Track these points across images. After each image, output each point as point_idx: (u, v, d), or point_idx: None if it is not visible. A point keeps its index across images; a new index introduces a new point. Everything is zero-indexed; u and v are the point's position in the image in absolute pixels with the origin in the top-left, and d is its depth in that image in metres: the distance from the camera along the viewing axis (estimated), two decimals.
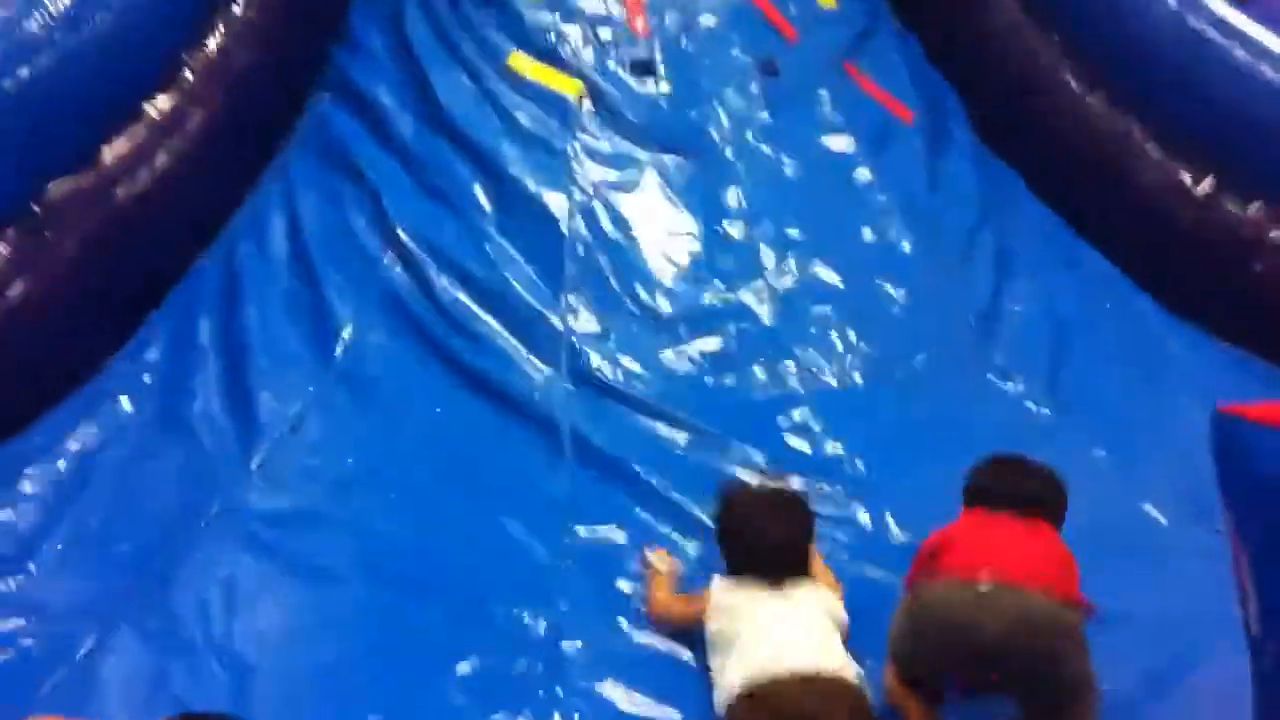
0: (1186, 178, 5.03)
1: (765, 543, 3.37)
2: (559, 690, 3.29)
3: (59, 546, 3.78)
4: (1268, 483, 2.02)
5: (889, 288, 4.96)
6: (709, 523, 3.80)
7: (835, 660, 3.14)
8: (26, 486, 3.94)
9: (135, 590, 3.63)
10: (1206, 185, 4.97)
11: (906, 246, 5.15)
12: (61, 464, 4.04)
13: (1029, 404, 4.51)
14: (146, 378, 4.42)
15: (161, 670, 3.39)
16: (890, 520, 3.96)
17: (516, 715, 3.27)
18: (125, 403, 4.31)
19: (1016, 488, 3.29)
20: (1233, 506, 2.15)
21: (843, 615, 3.35)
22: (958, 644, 2.96)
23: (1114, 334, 4.85)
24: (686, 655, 3.45)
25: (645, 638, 3.52)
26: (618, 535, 3.90)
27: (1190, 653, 3.44)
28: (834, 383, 4.56)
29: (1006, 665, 2.93)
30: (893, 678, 3.20)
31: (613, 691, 3.33)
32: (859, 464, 4.20)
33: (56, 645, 3.43)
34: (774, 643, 3.14)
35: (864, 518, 3.98)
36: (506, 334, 4.63)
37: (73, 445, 4.11)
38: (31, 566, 3.70)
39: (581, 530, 3.90)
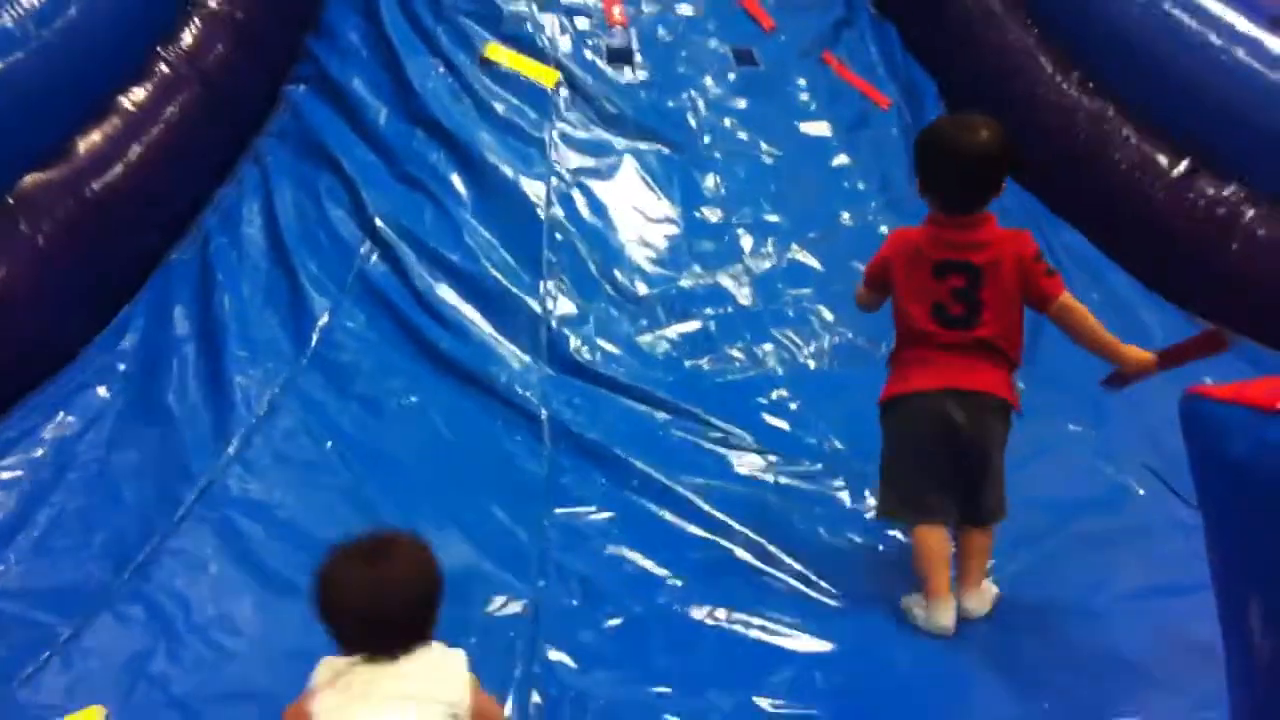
0: (1163, 159, 5.07)
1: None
2: (536, 669, 3.27)
3: (36, 535, 3.74)
4: (1237, 463, 2.02)
5: None
6: (692, 500, 3.82)
7: None
8: (3, 475, 3.91)
9: (115, 578, 3.61)
10: (1183, 167, 5.01)
11: (884, 229, 5.14)
12: (39, 452, 4.01)
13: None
14: (122, 366, 4.40)
15: (142, 656, 3.37)
16: (868, 495, 3.96)
17: (495, 693, 3.26)
18: (102, 391, 4.28)
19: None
20: (1204, 487, 2.16)
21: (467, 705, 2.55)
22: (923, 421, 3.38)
23: (1091, 311, 4.85)
24: (658, 639, 3.44)
25: (622, 619, 3.51)
26: (598, 517, 3.89)
27: (1172, 627, 3.44)
28: (812, 364, 4.58)
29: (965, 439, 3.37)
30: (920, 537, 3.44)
31: (591, 670, 3.32)
32: (837, 443, 4.22)
33: (37, 633, 3.40)
34: None
35: (843, 495, 3.99)
36: (485, 320, 4.64)
37: (50, 434, 4.09)
38: (10, 555, 3.67)
39: (561, 512, 3.90)
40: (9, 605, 3.50)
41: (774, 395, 4.40)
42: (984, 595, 3.47)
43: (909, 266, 3.40)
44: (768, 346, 4.61)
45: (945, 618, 3.37)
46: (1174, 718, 3.09)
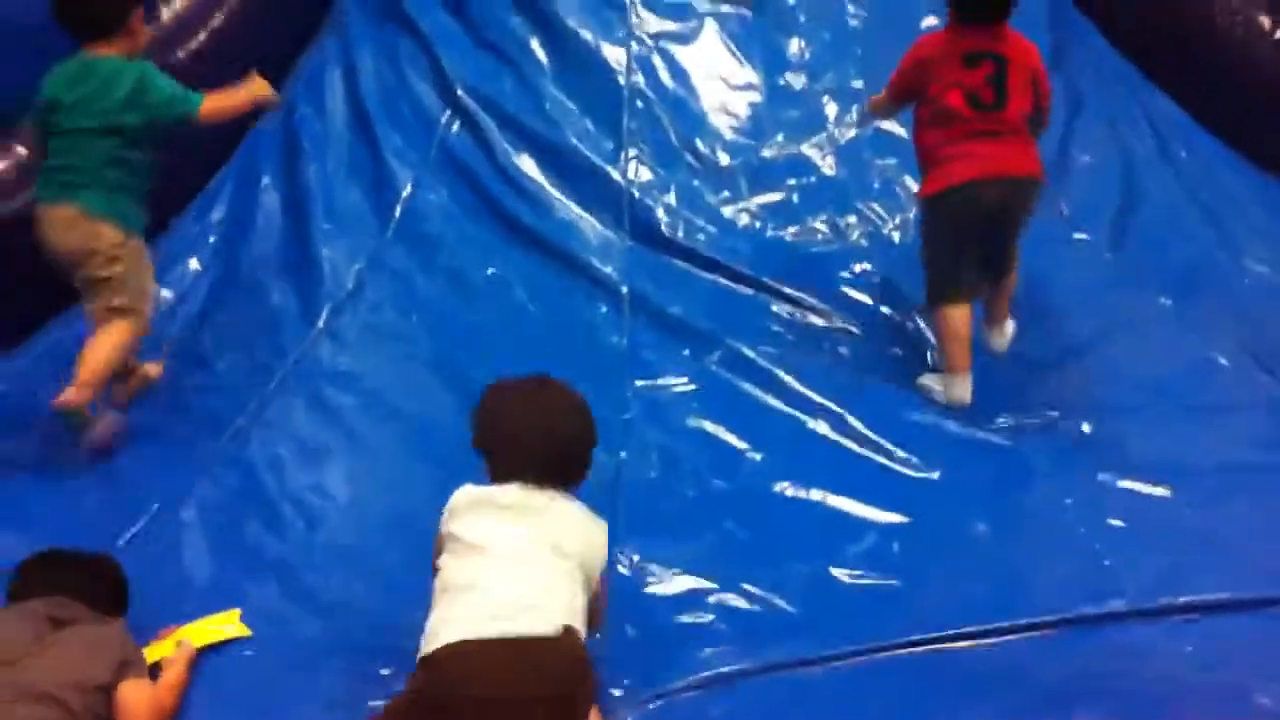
0: (1265, 21, 4.86)
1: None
2: (617, 534, 3.32)
3: (131, 406, 3.87)
4: None
5: None
6: (773, 372, 3.85)
7: (555, 605, 2.49)
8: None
9: (210, 446, 3.72)
10: None
11: None
12: None
13: (1096, 253, 4.45)
14: (212, 238, 4.48)
15: (236, 521, 3.48)
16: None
17: None
18: (193, 264, 4.38)
19: None
20: None
21: (601, 564, 2.66)
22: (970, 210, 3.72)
23: (1183, 181, 4.75)
24: (736, 510, 3.47)
25: (701, 490, 3.56)
26: (679, 389, 3.92)
27: (1266, 509, 3.41)
28: (897, 236, 4.52)
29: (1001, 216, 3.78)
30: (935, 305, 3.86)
31: (671, 540, 3.37)
32: (919, 318, 4.18)
33: (135, 498, 3.53)
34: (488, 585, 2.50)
35: (923, 368, 3.98)
36: (566, 190, 4.63)
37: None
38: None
39: (642, 384, 3.93)
40: (107, 473, 3.61)
41: (857, 268, 4.37)
42: (1006, 330, 3.96)
43: (944, 60, 3.78)
44: (851, 218, 4.56)
45: (965, 392, 3.79)
46: (1249, 589, 3.07)
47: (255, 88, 3.94)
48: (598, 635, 2.73)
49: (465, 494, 2.65)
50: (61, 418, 3.56)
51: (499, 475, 2.64)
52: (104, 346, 3.62)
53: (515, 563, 2.52)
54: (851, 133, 4.84)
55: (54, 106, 3.65)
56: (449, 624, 2.45)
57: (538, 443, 2.63)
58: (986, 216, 3.74)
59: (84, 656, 2.65)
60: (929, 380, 3.89)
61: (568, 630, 2.47)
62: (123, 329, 3.66)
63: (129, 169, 3.70)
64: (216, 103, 3.81)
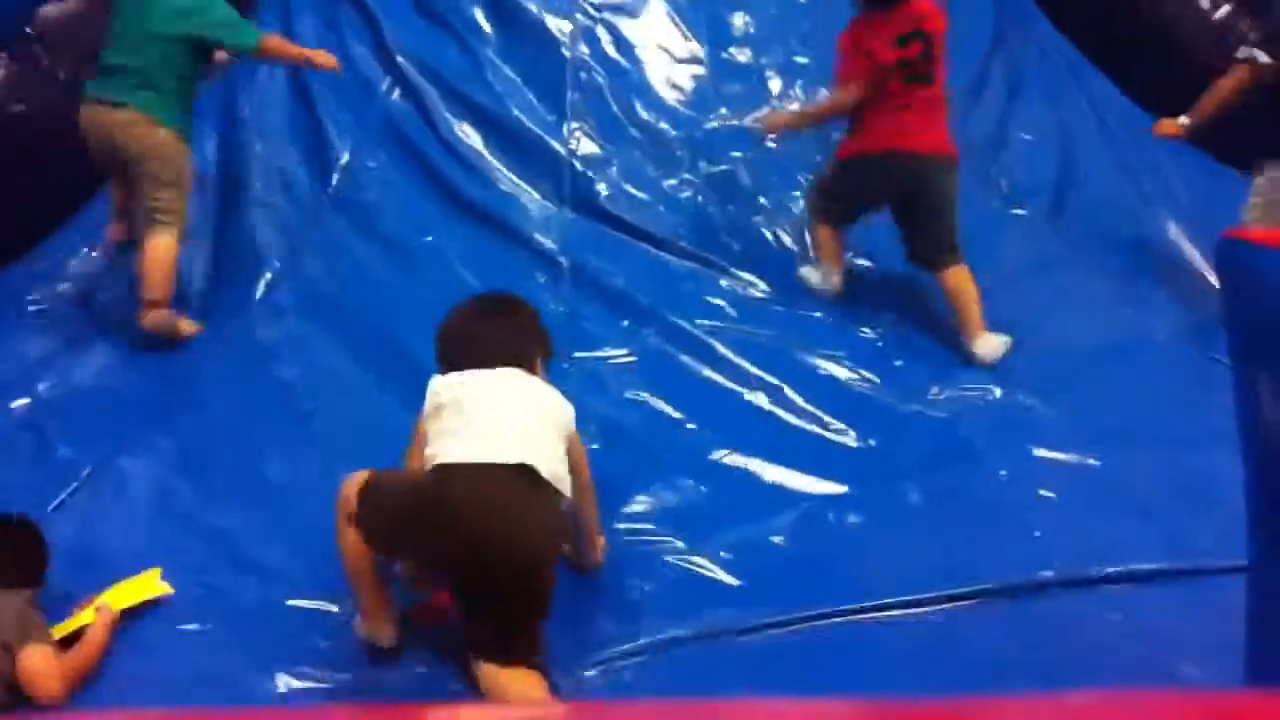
0: (1204, 2, 4.91)
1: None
2: None
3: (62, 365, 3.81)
4: (1271, 305, 1.99)
5: None
6: (711, 344, 3.84)
7: (542, 458, 2.77)
8: (30, 309, 3.96)
9: (147, 414, 3.67)
10: (1223, 11, 4.85)
11: None
12: (66, 287, 4.05)
13: (1035, 228, 4.49)
14: None
15: (171, 490, 3.43)
16: (889, 346, 3.99)
17: None
18: (125, 226, 4.29)
19: None
20: (1236, 330, 2.13)
21: (572, 434, 2.95)
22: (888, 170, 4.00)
23: (1120, 160, 4.80)
24: (672, 481, 3.47)
25: (639, 459, 3.54)
26: (617, 360, 3.91)
27: (1195, 481, 3.44)
28: None
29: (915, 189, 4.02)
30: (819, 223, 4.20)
31: (608, 510, 3.35)
32: (860, 289, 4.20)
33: (67, 463, 3.47)
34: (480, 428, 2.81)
35: (863, 337, 4.00)
36: (507, 161, 4.59)
37: (76, 268, 4.12)
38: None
39: (581, 355, 3.91)
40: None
41: (798, 241, 4.36)
42: (989, 341, 3.93)
43: (879, 43, 3.98)
44: (793, 191, 4.55)
45: (834, 279, 4.17)
46: (1176, 559, 3.12)
47: (320, 55, 4.28)
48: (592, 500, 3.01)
49: (443, 379, 2.92)
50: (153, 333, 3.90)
51: (454, 366, 2.96)
52: (158, 260, 3.89)
53: (506, 416, 2.81)
54: (795, 106, 4.83)
55: (117, 6, 3.92)
56: (450, 450, 2.74)
57: (484, 333, 3.02)
58: (899, 187, 4.00)
59: None
60: (805, 272, 4.23)
61: (549, 481, 2.74)
62: (168, 239, 3.91)
63: (182, 77, 3.97)
64: (276, 44, 4.19)
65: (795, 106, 4.81)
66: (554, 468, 2.79)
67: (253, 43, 4.04)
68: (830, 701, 1.06)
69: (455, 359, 3.00)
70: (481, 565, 2.66)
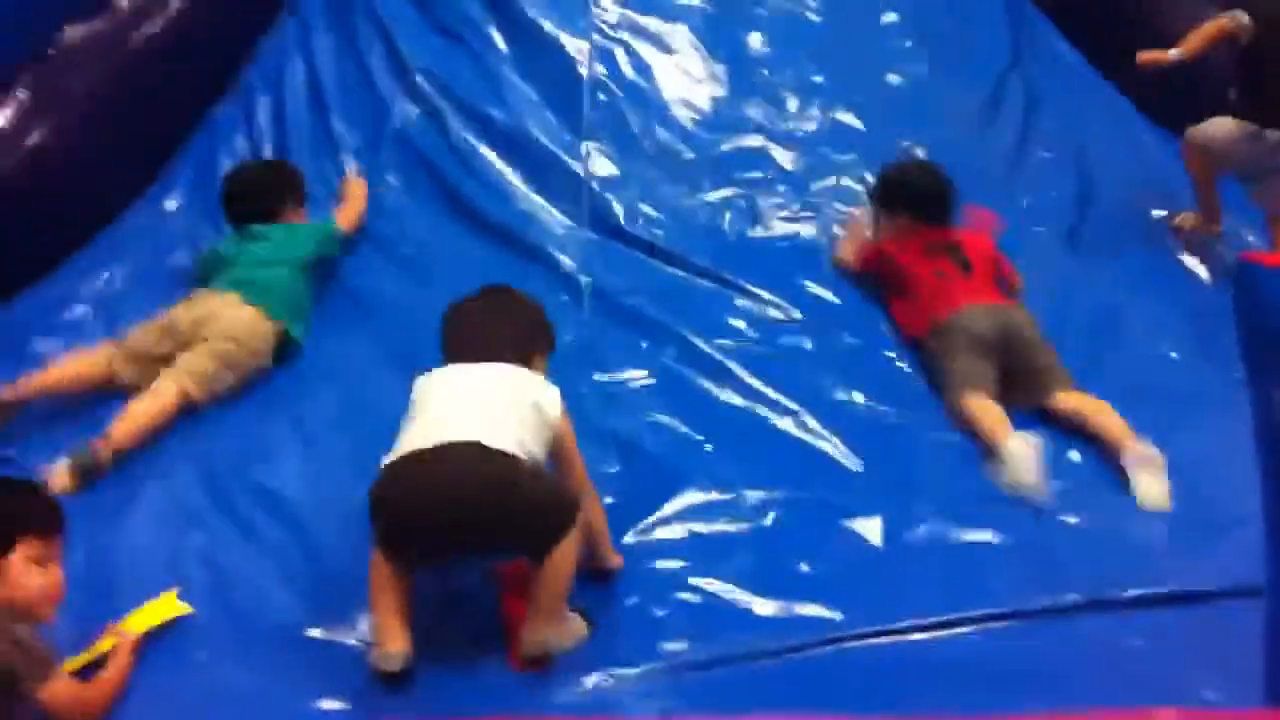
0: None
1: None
2: None
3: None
4: None
5: (915, 133, 4.88)
6: (731, 367, 3.85)
7: (491, 433, 2.84)
8: (49, 333, 3.98)
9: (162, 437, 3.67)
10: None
11: (933, 92, 5.06)
12: (84, 311, 4.07)
13: (1054, 248, 4.48)
14: (168, 226, 4.43)
15: (187, 512, 3.44)
16: (906, 366, 4.00)
17: None
18: (148, 249, 4.32)
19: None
20: (1251, 353, 2.14)
21: (554, 406, 3.01)
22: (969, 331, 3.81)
23: (1138, 178, 4.81)
24: (692, 505, 3.46)
25: (659, 483, 3.55)
26: (636, 382, 3.91)
27: (1214, 504, 3.43)
28: None
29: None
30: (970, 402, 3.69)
31: (626, 536, 3.36)
32: (879, 312, 4.20)
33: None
34: (433, 420, 2.92)
35: (885, 364, 4.01)
36: (525, 179, 4.61)
37: (94, 293, 4.15)
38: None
39: (600, 378, 3.91)
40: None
41: (817, 262, 4.37)
42: (1151, 463, 3.47)
43: (903, 252, 4.11)
44: (811, 212, 4.56)
45: (1025, 462, 3.45)
46: (1198, 582, 3.12)
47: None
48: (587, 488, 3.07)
49: (423, 378, 3.05)
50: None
51: (449, 358, 3.10)
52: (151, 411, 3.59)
53: (465, 404, 2.91)
54: (811, 126, 4.85)
55: None
56: (398, 450, 2.86)
57: (477, 326, 3.15)
58: (984, 339, 3.79)
59: None
60: (995, 468, 3.52)
61: (505, 454, 2.79)
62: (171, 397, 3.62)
63: None
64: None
65: (811, 127, 4.84)
66: (508, 445, 2.81)
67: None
68: None
69: (450, 350, 3.14)
70: (453, 522, 2.76)
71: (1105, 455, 3.55)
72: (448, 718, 2.71)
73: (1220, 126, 4.45)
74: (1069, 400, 3.70)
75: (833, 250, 4.38)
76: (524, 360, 3.08)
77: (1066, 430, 3.67)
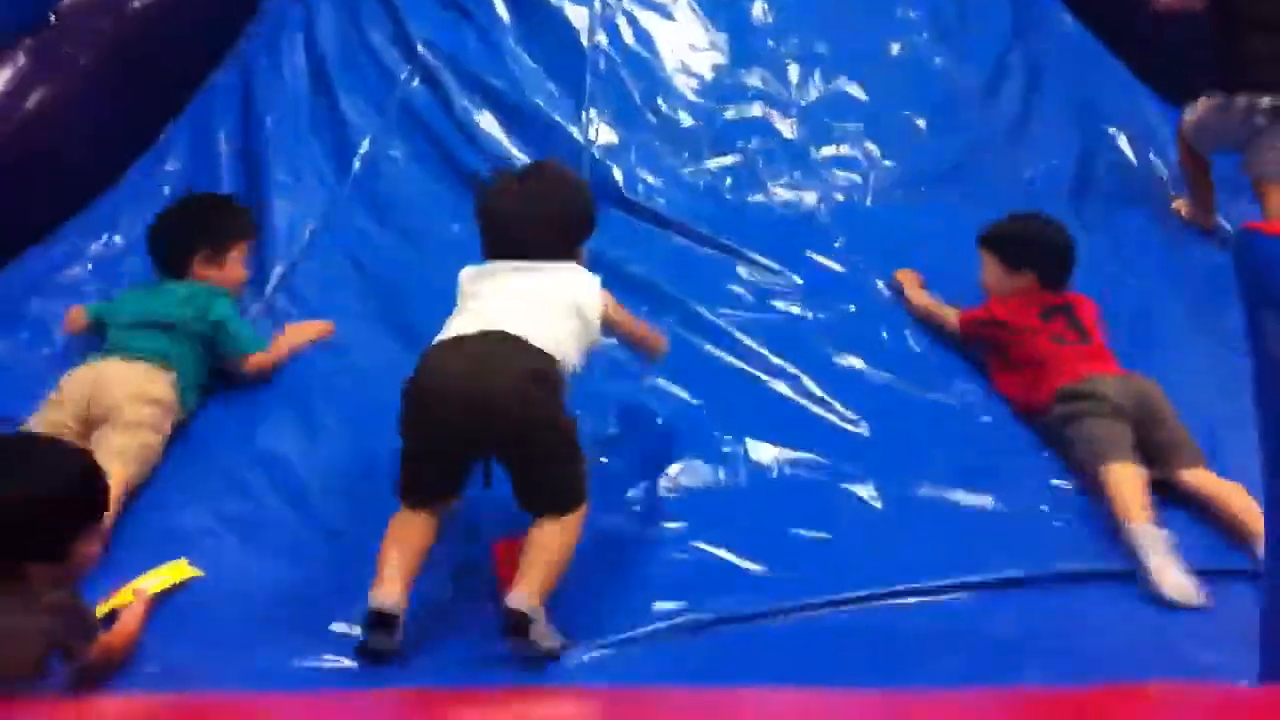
0: None
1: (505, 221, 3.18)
2: None
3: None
4: None
5: (917, 104, 4.87)
6: (732, 333, 3.86)
7: (536, 331, 2.92)
8: (49, 296, 3.98)
9: None
10: None
11: (936, 62, 5.04)
12: (85, 272, 4.08)
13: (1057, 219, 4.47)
14: (166, 189, 4.42)
15: (193, 477, 3.45)
16: (907, 334, 3.99)
17: None
18: (146, 214, 4.29)
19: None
20: (1252, 323, 2.13)
21: (595, 308, 3.11)
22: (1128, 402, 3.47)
23: (1142, 150, 4.80)
24: (691, 469, 3.48)
25: (656, 447, 3.56)
26: None
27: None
28: (858, 200, 4.52)
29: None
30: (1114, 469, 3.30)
31: (622, 501, 3.37)
32: (878, 282, 4.20)
33: None
34: (480, 310, 3.02)
35: (882, 333, 4.00)
36: (527, 149, 4.59)
37: (95, 255, 4.15)
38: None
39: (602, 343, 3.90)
40: None
41: (817, 230, 4.37)
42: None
43: (1019, 317, 3.77)
44: (812, 181, 4.55)
45: (1169, 568, 3.03)
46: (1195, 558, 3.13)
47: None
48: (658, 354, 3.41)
49: (466, 272, 3.15)
50: None
51: (492, 254, 3.14)
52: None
53: (511, 299, 2.99)
54: (813, 95, 4.84)
55: None
56: (441, 336, 2.96)
57: (523, 224, 3.12)
58: (1122, 409, 3.43)
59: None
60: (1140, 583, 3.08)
61: (543, 354, 2.87)
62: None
63: None
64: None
65: (814, 96, 4.82)
66: (539, 336, 2.89)
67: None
68: (850, 694, 1.07)
69: (491, 246, 3.16)
70: (465, 428, 2.84)
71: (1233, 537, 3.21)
72: (425, 688, 2.71)
73: (1191, 109, 4.43)
74: (1198, 477, 3.37)
75: (907, 301, 4.05)
76: (568, 252, 3.16)
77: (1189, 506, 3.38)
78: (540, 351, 2.88)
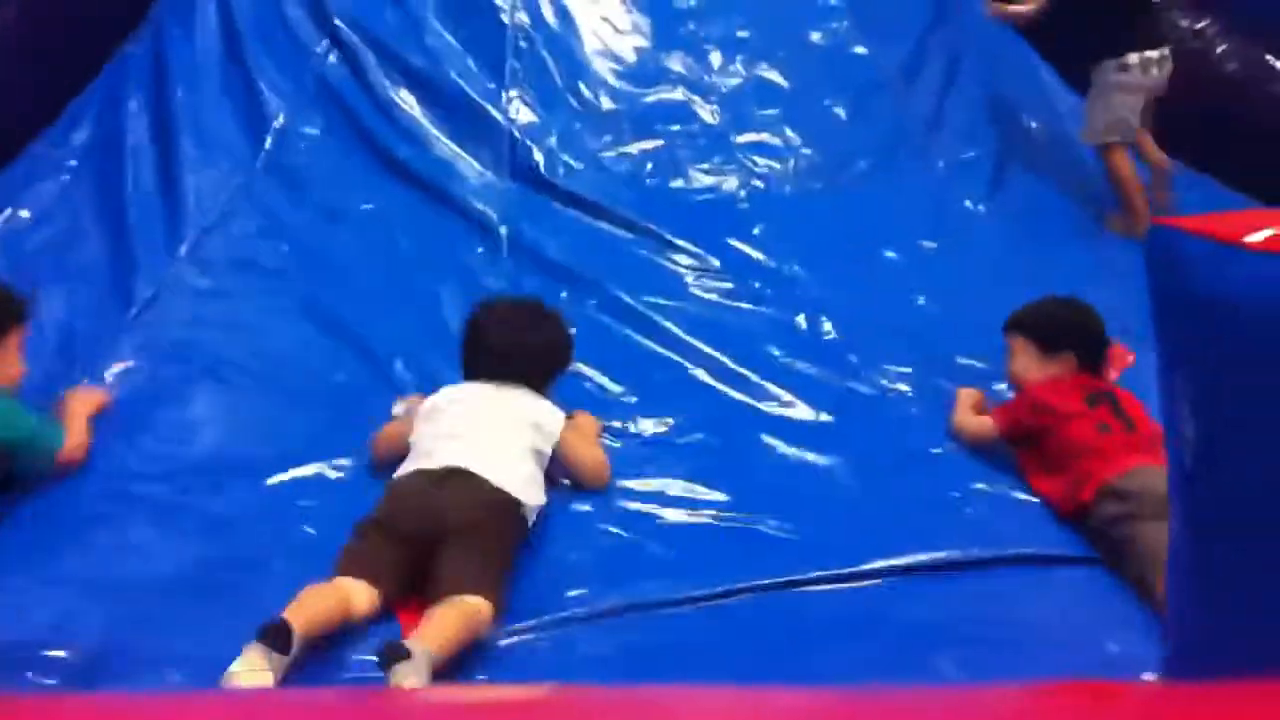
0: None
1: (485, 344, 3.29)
2: None
3: None
4: (1201, 298, 1.98)
5: (837, 92, 4.90)
6: (652, 318, 3.86)
7: (497, 461, 3.02)
8: None
9: (67, 372, 3.59)
10: None
11: (857, 50, 5.07)
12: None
13: (969, 208, 4.53)
14: (73, 161, 4.31)
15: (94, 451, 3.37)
16: (824, 321, 4.00)
17: None
18: (53, 186, 4.20)
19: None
20: (1163, 323, 2.13)
21: (555, 430, 3.20)
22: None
23: (1058, 136, 4.87)
24: (608, 454, 3.46)
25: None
26: None
27: None
28: (778, 186, 4.54)
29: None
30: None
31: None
32: (796, 266, 4.22)
33: None
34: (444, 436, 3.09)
35: (799, 319, 4.01)
36: (445, 128, 4.56)
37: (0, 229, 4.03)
38: None
39: None
40: None
41: (736, 216, 4.38)
42: None
43: (1064, 402, 3.47)
44: (732, 166, 4.57)
45: None
46: None
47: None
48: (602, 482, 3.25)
49: (446, 391, 3.24)
50: None
51: (470, 375, 3.27)
52: None
53: (475, 429, 3.07)
54: (734, 81, 4.85)
55: None
56: (409, 465, 3.04)
57: (500, 349, 3.24)
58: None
59: None
60: None
61: (500, 490, 2.94)
62: None
63: None
64: None
65: (736, 82, 4.83)
66: (501, 474, 2.97)
67: None
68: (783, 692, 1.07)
69: (470, 364, 3.28)
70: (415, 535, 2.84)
71: None
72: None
73: (1097, 96, 4.49)
74: None
75: (953, 424, 3.62)
76: (539, 387, 3.27)
77: None
78: (494, 489, 2.96)
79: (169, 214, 4.13)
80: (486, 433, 3.09)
